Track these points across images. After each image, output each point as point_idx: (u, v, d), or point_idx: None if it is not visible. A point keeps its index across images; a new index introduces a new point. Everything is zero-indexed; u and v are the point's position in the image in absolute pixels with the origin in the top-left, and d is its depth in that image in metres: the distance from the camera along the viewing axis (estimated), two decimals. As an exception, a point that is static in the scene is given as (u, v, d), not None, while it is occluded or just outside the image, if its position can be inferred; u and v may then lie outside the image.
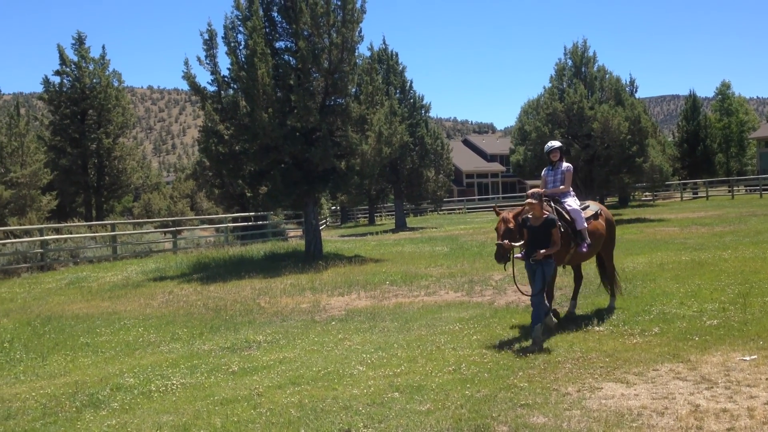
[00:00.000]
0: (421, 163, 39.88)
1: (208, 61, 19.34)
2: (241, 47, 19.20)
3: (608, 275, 9.86)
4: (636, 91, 34.88)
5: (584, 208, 9.34)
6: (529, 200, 8.04)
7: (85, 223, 27.50)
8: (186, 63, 19.21)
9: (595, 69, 31.34)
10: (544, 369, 6.77)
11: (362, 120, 20.26)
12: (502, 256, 8.13)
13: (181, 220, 35.69)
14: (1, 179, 30.63)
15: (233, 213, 32.56)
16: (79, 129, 36.30)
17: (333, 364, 7.46)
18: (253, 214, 30.34)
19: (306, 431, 5.40)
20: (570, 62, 31.49)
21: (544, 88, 32.00)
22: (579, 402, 5.75)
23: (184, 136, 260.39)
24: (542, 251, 7.89)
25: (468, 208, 57.58)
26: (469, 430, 5.25)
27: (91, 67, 36.54)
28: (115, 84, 37.48)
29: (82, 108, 36.31)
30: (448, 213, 56.00)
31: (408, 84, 39.93)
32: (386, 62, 38.72)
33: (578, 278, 9.98)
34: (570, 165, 9.57)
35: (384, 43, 39.99)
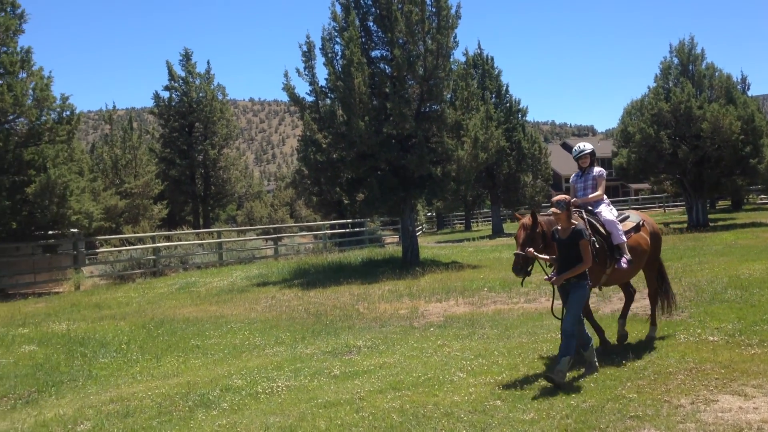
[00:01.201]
0: (518, 167, 39.27)
1: (306, 72, 19.88)
2: (338, 57, 19.61)
3: (664, 291, 8.68)
4: (748, 88, 33.06)
5: (623, 219, 8.23)
6: (552, 209, 6.98)
7: (193, 231, 28.86)
8: (286, 75, 19.86)
9: (703, 67, 29.84)
10: (654, 380, 6.49)
11: (458, 126, 20.21)
12: (521, 267, 7.09)
13: (281, 227, 36.71)
14: (116, 190, 32.59)
15: (331, 220, 33.19)
16: (187, 141, 38.16)
17: (433, 371, 7.45)
18: (350, 221, 30.82)
19: (408, 436, 5.41)
20: (676, 60, 30.14)
21: (649, 87, 30.77)
22: (693, 415, 5.47)
23: (284, 145, 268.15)
24: (560, 275, 6.85)
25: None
26: (575, 441, 5.11)
27: (197, 82, 38.38)
28: (220, 97, 39.15)
29: (189, 121, 38.18)
30: (547, 218, 54.78)
31: (504, 88, 39.47)
32: (481, 67, 38.45)
33: (629, 296, 8.71)
34: (602, 170, 8.45)
35: (479, 47, 39.75)
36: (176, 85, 37.98)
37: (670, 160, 28.95)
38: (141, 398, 7.18)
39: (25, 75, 20.80)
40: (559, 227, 7.07)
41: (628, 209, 8.96)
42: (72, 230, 21.85)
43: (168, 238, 26.64)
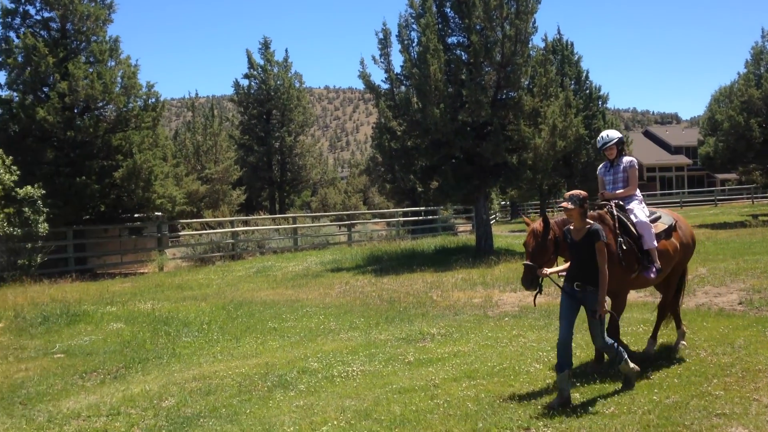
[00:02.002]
0: (597, 156, 38.15)
1: (382, 60, 19.92)
2: (413, 44, 19.56)
3: (674, 301, 7.71)
4: None
5: (654, 220, 7.27)
6: (564, 204, 6.04)
7: (269, 216, 29.50)
8: (362, 62, 19.99)
9: (799, 50, 28.22)
10: (742, 377, 6.22)
11: (535, 113, 19.83)
12: (531, 280, 6.21)
13: (354, 214, 37.04)
14: (197, 175, 33.65)
15: (404, 207, 33.26)
16: (265, 128, 38.98)
17: (508, 360, 7.37)
18: (423, 208, 30.80)
19: (484, 425, 5.37)
20: (769, 44, 28.61)
21: (738, 74, 29.38)
22: (785, 416, 5.21)
23: (357, 133, 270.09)
24: (571, 281, 6.09)
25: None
26: (658, 438, 4.95)
27: (275, 70, 39.10)
28: (297, 85, 39.78)
29: (267, 108, 38.96)
30: (626, 209, 53.12)
31: (584, 74, 38.43)
32: (561, 53, 37.53)
33: (661, 311, 7.71)
34: (633, 159, 7.53)
35: (558, 32, 38.80)
36: (255, 73, 38.80)
37: (760, 149, 27.59)
38: (222, 377, 7.41)
39: (113, 63, 21.73)
40: (572, 227, 6.16)
41: (659, 208, 7.90)
42: (156, 213, 22.73)
43: (246, 223, 27.34)
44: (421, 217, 30.83)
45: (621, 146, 7.55)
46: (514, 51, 18.91)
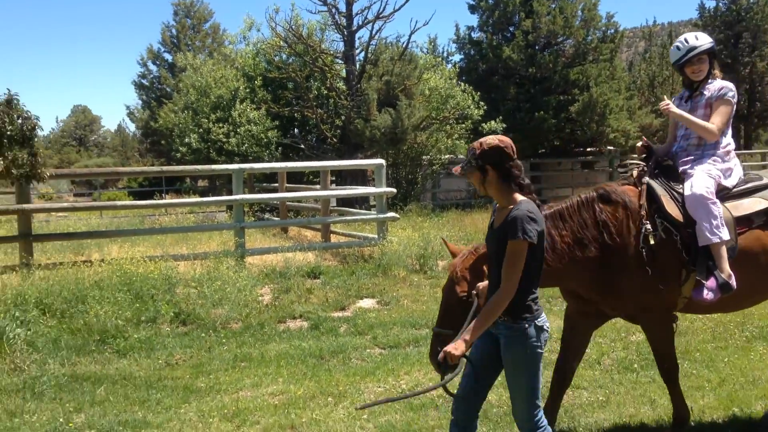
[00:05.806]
0: None
1: None
2: None
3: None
4: None
5: (749, 191, 3.98)
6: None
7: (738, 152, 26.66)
8: None
9: None
10: None
11: None
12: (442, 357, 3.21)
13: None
14: (651, 108, 32.10)
15: None
16: (732, 54, 34.97)
17: None
18: None
19: None
20: None
21: None
22: None
23: None
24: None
25: None
26: None
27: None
28: (776, 1, 34.54)
29: (736, 31, 34.83)
30: None
31: None
32: None
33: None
34: (729, 86, 4.14)
35: None
36: (726, -9, 34.96)
37: None
38: (691, 320, 6.95)
39: (576, -4, 21.88)
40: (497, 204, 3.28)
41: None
42: (608, 148, 22.56)
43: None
44: None
45: (713, 63, 4.31)
46: None
